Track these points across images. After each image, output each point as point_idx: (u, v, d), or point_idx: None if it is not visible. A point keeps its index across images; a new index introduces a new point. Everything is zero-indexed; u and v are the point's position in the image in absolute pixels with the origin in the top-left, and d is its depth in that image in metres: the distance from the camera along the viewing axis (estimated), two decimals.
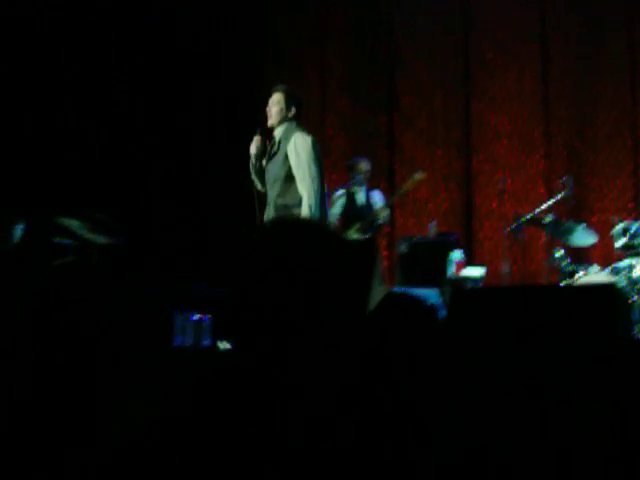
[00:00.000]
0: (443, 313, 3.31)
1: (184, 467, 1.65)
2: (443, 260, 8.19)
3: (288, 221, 2.06)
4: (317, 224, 2.20)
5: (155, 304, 6.95)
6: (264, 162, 6.14)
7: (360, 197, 8.20)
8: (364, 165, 8.21)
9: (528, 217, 7.79)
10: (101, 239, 7.48)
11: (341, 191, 8.27)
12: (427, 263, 8.37)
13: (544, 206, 7.84)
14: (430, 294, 7.50)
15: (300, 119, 6.12)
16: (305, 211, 5.80)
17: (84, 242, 7.55)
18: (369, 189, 8.29)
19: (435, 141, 9.77)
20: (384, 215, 8.14)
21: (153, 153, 9.44)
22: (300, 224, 1.99)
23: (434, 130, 9.78)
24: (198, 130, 9.53)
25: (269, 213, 6.04)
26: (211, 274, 8.31)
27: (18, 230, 7.92)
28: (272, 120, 6.05)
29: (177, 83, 9.53)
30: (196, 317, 6.46)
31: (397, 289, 8.05)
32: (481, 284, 8.05)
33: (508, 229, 8.02)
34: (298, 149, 5.87)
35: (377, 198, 8.25)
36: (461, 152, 9.69)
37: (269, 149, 6.10)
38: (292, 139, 5.91)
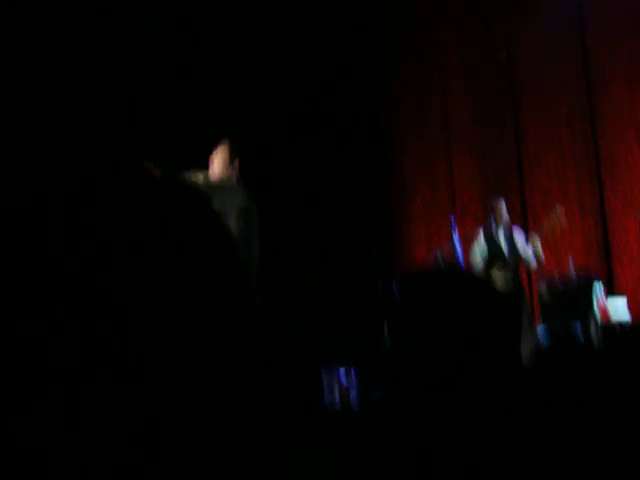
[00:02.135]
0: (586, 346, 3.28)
1: None
2: (585, 296, 8.07)
3: (438, 271, 2.10)
4: (465, 273, 2.22)
5: (301, 358, 6.99)
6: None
7: (500, 236, 8.18)
8: (501, 204, 8.22)
9: None
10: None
11: (481, 231, 8.27)
12: (568, 300, 8.25)
13: None
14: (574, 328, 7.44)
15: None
16: None
17: None
18: (509, 227, 8.27)
19: (565, 176, 9.70)
20: (530, 258, 8.05)
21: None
22: (449, 273, 2.02)
23: (563, 165, 9.72)
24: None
25: None
26: (352, 324, 8.42)
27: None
28: (214, 170, 6.14)
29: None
30: (342, 371, 6.49)
31: (541, 327, 7.99)
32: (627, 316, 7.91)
33: None
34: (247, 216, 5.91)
35: (519, 235, 8.22)
36: (594, 187, 9.57)
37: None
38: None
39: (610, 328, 7.54)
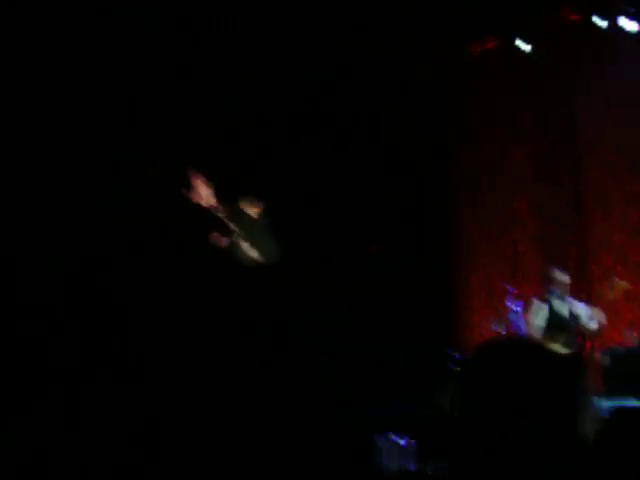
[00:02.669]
0: None
1: None
2: None
3: (499, 342, 2.11)
4: (526, 343, 2.24)
5: (357, 425, 6.98)
6: None
7: (562, 308, 8.12)
8: (563, 277, 8.14)
9: None
10: None
11: (542, 303, 8.21)
12: (631, 373, 8.14)
13: None
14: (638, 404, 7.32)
15: None
16: None
17: None
18: (571, 299, 8.20)
19: (626, 247, 9.62)
20: (592, 327, 7.98)
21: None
22: (510, 344, 2.04)
23: (625, 237, 9.65)
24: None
25: None
26: (414, 394, 8.37)
27: None
28: None
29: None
30: (402, 441, 6.46)
31: (603, 401, 7.88)
32: None
33: None
34: None
35: (581, 308, 8.14)
36: None
37: None
38: None
39: None
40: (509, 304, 8.15)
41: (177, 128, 8.52)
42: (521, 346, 2.06)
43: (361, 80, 9.86)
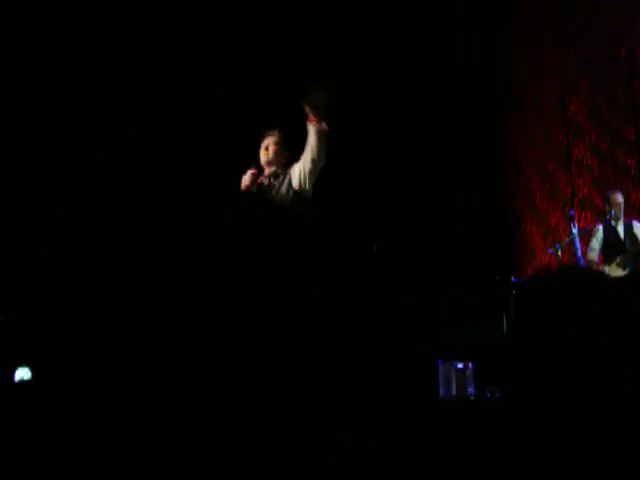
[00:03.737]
0: None
1: None
2: None
3: (558, 270, 2.10)
4: (586, 271, 2.22)
5: (417, 352, 7.04)
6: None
7: (619, 230, 8.06)
8: (618, 197, 8.07)
9: None
10: None
11: (599, 226, 8.16)
12: None
13: None
14: None
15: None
16: None
17: None
18: (628, 220, 8.14)
19: None
20: None
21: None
22: (569, 272, 2.03)
23: None
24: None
25: None
26: (471, 321, 8.41)
27: None
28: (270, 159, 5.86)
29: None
30: (460, 365, 6.51)
31: None
32: None
33: None
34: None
35: (638, 229, 8.07)
36: None
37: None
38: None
39: None
40: (569, 227, 8.10)
41: None
42: (577, 271, 2.05)
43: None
